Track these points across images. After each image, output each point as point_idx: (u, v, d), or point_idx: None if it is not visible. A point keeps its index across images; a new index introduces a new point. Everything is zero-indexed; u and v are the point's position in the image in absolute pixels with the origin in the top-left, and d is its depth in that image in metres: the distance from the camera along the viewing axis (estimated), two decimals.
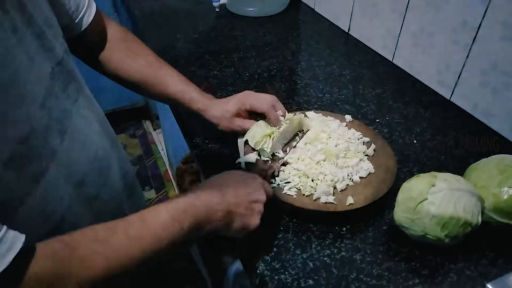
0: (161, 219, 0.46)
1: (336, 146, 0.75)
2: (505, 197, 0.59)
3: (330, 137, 0.77)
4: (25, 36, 0.46)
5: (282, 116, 0.76)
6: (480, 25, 0.83)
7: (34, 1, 0.49)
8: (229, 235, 0.56)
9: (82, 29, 0.66)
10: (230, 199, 0.54)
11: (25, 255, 0.36)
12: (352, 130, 0.81)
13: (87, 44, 0.70)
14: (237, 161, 0.75)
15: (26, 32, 0.46)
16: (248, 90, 0.79)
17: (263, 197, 0.58)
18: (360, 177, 0.71)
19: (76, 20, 0.64)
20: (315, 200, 0.67)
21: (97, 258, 0.40)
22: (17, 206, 0.44)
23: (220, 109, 0.75)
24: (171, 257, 0.49)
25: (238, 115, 0.76)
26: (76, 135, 0.54)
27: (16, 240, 0.36)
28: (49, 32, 0.51)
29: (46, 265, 0.37)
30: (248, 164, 0.74)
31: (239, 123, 0.76)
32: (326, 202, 0.66)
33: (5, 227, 0.35)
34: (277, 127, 0.76)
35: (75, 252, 0.40)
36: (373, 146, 0.76)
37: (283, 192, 0.68)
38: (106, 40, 0.73)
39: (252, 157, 0.74)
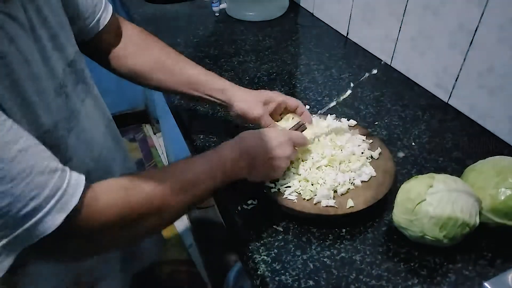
0: (201, 165, 0.56)
1: (341, 151, 0.74)
2: (502, 198, 0.60)
3: (340, 145, 0.76)
4: (41, 36, 0.48)
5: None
6: (476, 28, 0.84)
7: (50, 4, 0.51)
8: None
9: (99, 30, 0.68)
10: (253, 155, 0.61)
11: (91, 189, 0.46)
12: (359, 134, 0.81)
13: (103, 45, 0.71)
14: None
15: (42, 32, 0.48)
16: None
17: (287, 151, 0.64)
18: (362, 181, 0.71)
19: (93, 22, 0.66)
20: (315, 204, 0.67)
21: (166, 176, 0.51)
22: None
23: (247, 93, 0.74)
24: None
25: (264, 104, 0.74)
26: (82, 134, 0.56)
27: (80, 180, 0.45)
28: (62, 34, 0.53)
29: (117, 195, 0.47)
30: None
31: (264, 113, 0.73)
32: (326, 206, 0.67)
33: (68, 170, 0.43)
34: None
35: (136, 181, 0.49)
36: (378, 149, 0.76)
37: (284, 196, 0.68)
38: (121, 40, 0.74)
39: None
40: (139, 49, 0.74)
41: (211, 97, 0.74)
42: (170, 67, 0.74)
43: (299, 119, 0.76)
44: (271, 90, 0.79)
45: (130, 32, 0.75)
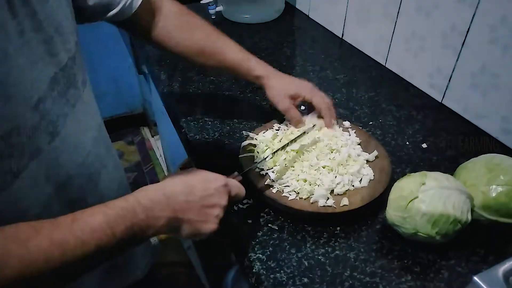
0: (93, 223, 0.43)
1: (338, 154, 0.75)
2: (494, 194, 0.61)
3: (337, 148, 0.76)
4: (31, 41, 0.48)
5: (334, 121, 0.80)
6: (468, 29, 0.85)
7: (47, 9, 0.51)
8: (181, 237, 0.52)
9: (133, 11, 0.68)
10: (176, 205, 0.51)
11: None
12: (353, 135, 0.81)
13: (140, 24, 0.72)
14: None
15: (33, 37, 0.48)
16: (248, 94, 0.80)
17: (223, 201, 0.54)
18: (362, 186, 0.71)
19: (127, 4, 0.67)
20: (312, 203, 0.68)
21: (10, 260, 0.38)
22: None
23: (279, 83, 0.79)
24: (108, 261, 0.46)
25: (292, 98, 0.79)
26: (68, 138, 0.55)
27: None
28: (58, 39, 0.53)
29: None
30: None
31: (289, 107, 0.78)
32: (324, 205, 0.67)
33: None
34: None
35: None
36: (375, 152, 0.76)
37: (283, 195, 0.69)
38: (161, 18, 0.75)
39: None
40: (180, 32, 0.76)
41: (249, 81, 0.82)
42: (211, 52, 0.77)
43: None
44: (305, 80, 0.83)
45: (168, 10, 0.76)
